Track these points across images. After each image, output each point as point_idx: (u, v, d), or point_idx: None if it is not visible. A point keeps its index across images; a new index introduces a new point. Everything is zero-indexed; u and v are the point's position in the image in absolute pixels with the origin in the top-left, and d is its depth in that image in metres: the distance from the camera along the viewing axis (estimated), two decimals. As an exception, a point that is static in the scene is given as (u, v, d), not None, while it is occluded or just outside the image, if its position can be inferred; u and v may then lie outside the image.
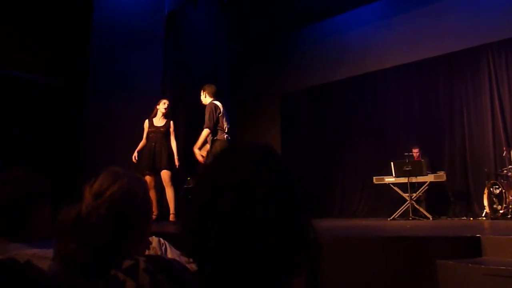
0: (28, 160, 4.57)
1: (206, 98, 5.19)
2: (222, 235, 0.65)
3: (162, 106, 5.47)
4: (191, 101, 7.38)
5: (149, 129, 5.44)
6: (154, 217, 5.07)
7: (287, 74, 8.83)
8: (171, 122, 5.50)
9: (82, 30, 5.41)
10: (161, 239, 1.79)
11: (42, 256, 1.19)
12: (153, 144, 5.34)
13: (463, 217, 6.82)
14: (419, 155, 7.22)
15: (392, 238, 3.08)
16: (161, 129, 5.42)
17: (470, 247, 2.74)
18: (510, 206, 5.62)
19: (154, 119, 5.49)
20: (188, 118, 7.35)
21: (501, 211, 5.75)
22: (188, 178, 6.65)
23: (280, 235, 0.65)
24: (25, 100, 5.03)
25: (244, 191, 0.66)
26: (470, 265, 2.49)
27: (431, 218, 6.43)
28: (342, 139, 8.53)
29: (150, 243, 1.59)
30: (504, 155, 6.37)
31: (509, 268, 2.25)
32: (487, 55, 7.27)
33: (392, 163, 6.86)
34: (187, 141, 7.30)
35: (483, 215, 6.28)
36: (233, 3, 8.13)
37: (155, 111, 5.48)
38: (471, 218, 6.52)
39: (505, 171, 6.15)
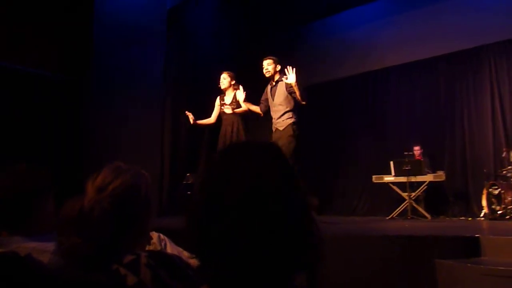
0: (31, 154, 4.56)
1: (277, 73, 4.61)
2: (228, 230, 0.65)
3: (220, 83, 4.90)
4: (194, 96, 7.38)
5: (221, 108, 4.91)
6: None
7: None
8: (236, 91, 4.75)
9: (84, 24, 5.39)
10: (161, 234, 1.79)
11: (43, 250, 1.19)
12: (226, 128, 4.79)
13: (461, 217, 6.83)
14: (420, 153, 7.23)
15: (391, 237, 3.09)
16: (230, 106, 4.82)
17: (469, 247, 2.75)
18: (509, 207, 5.63)
19: (225, 98, 4.92)
20: (191, 112, 7.33)
21: (499, 212, 5.75)
22: (188, 174, 6.66)
23: (286, 230, 0.66)
24: (27, 94, 5.02)
25: (253, 186, 0.66)
26: (469, 265, 2.50)
27: (429, 218, 6.44)
28: (343, 137, 8.52)
29: (151, 238, 1.59)
30: (503, 156, 6.37)
31: (508, 268, 2.26)
32: (488, 56, 7.27)
33: (391, 162, 6.86)
34: (188, 138, 7.31)
35: (481, 215, 6.29)
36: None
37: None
38: (470, 218, 6.53)
39: (504, 172, 6.15)
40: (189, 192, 6.31)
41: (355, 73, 8.40)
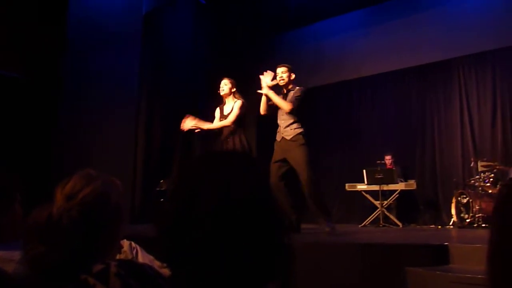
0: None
1: (290, 83, 4.44)
2: (199, 239, 0.64)
3: (220, 89, 4.59)
4: (168, 102, 7.33)
5: (220, 119, 4.57)
6: None
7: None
8: (237, 102, 4.46)
9: (57, 27, 5.29)
10: (132, 242, 1.76)
11: (8, 259, 1.15)
12: (222, 139, 4.40)
13: (431, 225, 6.97)
14: (391, 162, 7.37)
15: (363, 245, 3.12)
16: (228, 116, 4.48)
17: (438, 255, 2.81)
18: (477, 215, 5.78)
19: (224, 107, 4.61)
20: (165, 119, 7.29)
21: (467, 220, 5.90)
22: (161, 181, 6.59)
23: (257, 240, 0.66)
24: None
25: (224, 195, 0.66)
26: (438, 272, 2.55)
27: (401, 226, 6.55)
28: (316, 145, 8.56)
29: (122, 246, 1.56)
30: (471, 165, 6.56)
31: (475, 276, 2.31)
32: (458, 68, 7.49)
33: (364, 170, 6.96)
34: (162, 143, 7.25)
35: (450, 223, 6.43)
36: (212, 7, 8.13)
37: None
38: (439, 226, 6.68)
39: (472, 181, 6.32)
40: (162, 199, 6.24)
41: (329, 82, 8.50)
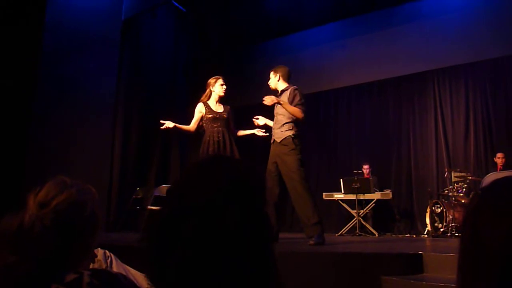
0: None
1: (280, 83, 4.30)
2: (182, 260, 0.62)
3: (220, 88, 4.36)
4: (146, 107, 7.27)
5: (208, 115, 4.29)
6: None
7: (241, 87, 8.83)
8: (229, 107, 4.41)
9: (33, 29, 5.20)
10: (106, 251, 1.73)
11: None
12: (218, 135, 4.22)
13: (406, 234, 7.08)
14: (369, 171, 7.47)
15: (340, 254, 3.14)
16: (224, 115, 4.29)
17: (413, 264, 2.85)
18: (450, 225, 5.89)
19: (209, 103, 4.37)
20: (142, 126, 7.22)
21: (441, 229, 6.01)
22: (137, 189, 6.51)
23: (242, 267, 0.63)
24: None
25: (210, 218, 0.62)
26: (412, 281, 2.58)
27: (376, 235, 6.62)
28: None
29: (96, 255, 1.53)
30: (445, 175, 6.69)
31: (448, 284, 2.35)
32: (433, 80, 7.67)
33: (341, 180, 7.03)
34: (139, 150, 7.17)
35: (425, 232, 6.54)
36: (192, 14, 8.13)
37: (207, 92, 4.39)
38: (414, 235, 6.78)
39: (446, 191, 6.45)
40: (138, 207, 6.17)
41: (305, 93, 8.52)
